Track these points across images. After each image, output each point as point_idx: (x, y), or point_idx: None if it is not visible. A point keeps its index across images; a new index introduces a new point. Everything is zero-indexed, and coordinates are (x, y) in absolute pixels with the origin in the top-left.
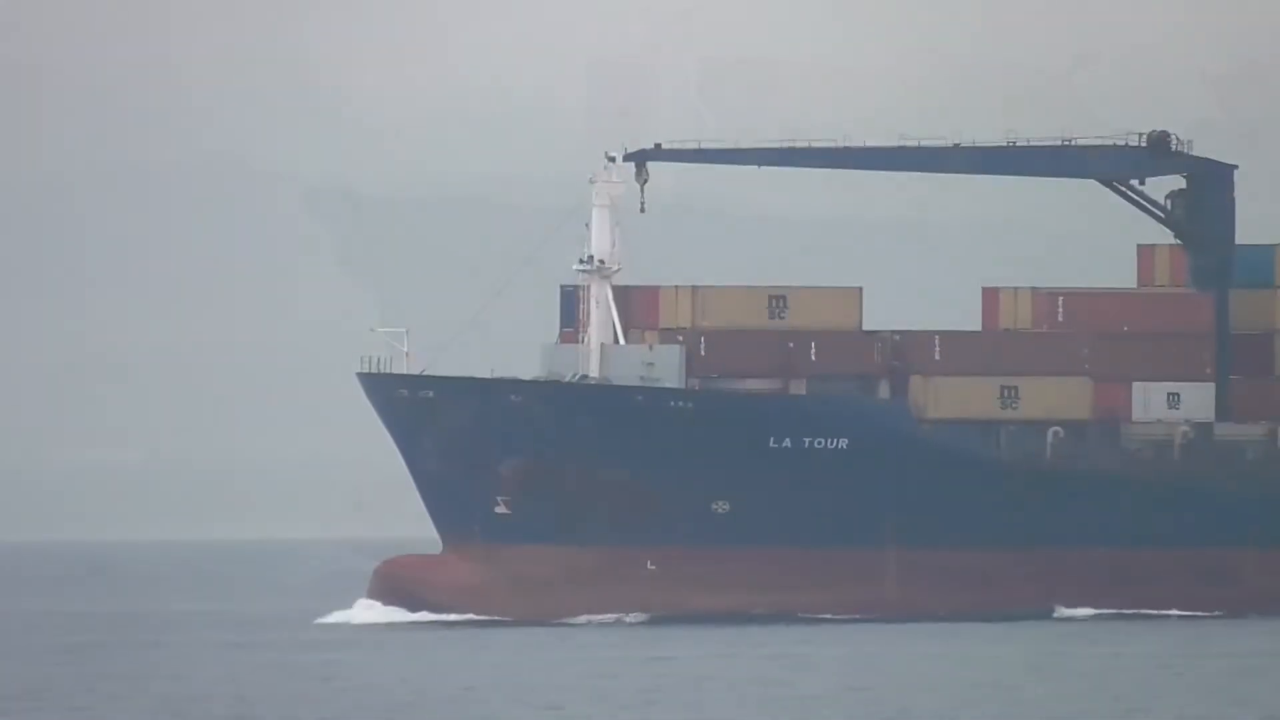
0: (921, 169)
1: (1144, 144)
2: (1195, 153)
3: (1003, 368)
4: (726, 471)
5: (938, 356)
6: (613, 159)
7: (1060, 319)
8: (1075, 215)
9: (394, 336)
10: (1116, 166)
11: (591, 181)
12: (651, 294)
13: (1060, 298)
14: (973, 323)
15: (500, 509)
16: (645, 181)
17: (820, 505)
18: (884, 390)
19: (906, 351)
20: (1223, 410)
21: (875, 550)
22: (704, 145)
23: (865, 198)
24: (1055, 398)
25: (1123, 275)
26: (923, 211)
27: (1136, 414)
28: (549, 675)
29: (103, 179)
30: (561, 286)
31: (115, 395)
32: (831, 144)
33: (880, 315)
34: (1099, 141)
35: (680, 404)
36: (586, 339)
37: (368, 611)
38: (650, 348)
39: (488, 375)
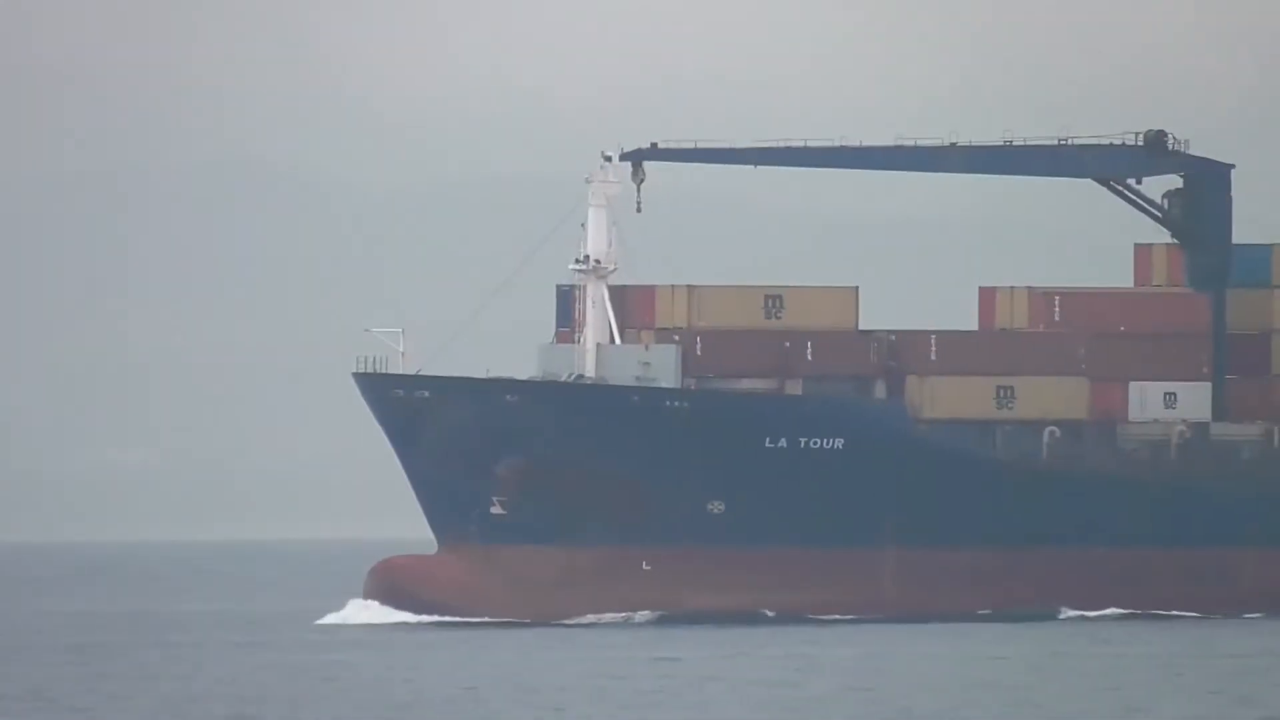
0: (918, 169)
1: (1141, 143)
2: (1192, 152)
3: (999, 367)
4: (722, 471)
5: (934, 356)
6: (609, 158)
7: (1057, 319)
8: (1072, 215)
9: (389, 336)
10: (1113, 166)
11: (588, 181)
12: (648, 294)
13: (1056, 297)
14: (969, 322)
15: (496, 509)
16: (641, 181)
17: (816, 505)
18: (880, 390)
19: (902, 351)
20: (1219, 410)
21: (872, 550)
22: (700, 144)
23: (862, 197)
24: (1052, 398)
25: (1120, 275)
26: (920, 211)
27: (1133, 414)
28: (551, 675)
29: (118, 181)
30: (558, 286)
31: (130, 396)
32: (828, 143)
33: (876, 315)
34: (1095, 141)
35: (676, 404)
36: (582, 339)
37: (365, 612)
38: (646, 348)
39: (483, 375)
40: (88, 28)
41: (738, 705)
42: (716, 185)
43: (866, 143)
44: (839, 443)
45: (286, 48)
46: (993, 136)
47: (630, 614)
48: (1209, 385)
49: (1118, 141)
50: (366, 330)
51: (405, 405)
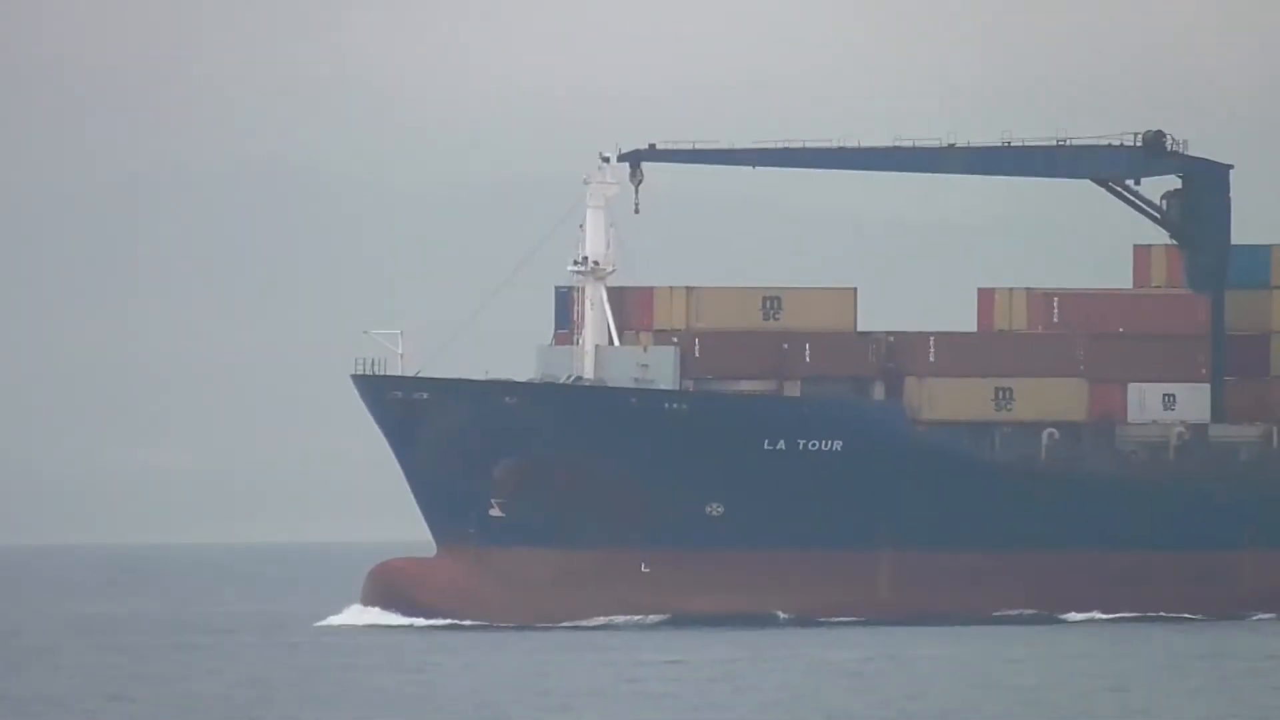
0: (917, 169)
1: (1139, 144)
2: (1191, 153)
3: (997, 369)
4: (721, 473)
5: (932, 358)
6: (607, 159)
7: (1055, 320)
8: (1071, 216)
9: (388, 338)
10: (1112, 167)
11: (586, 182)
12: (646, 295)
13: (1055, 298)
14: (968, 324)
15: (494, 511)
16: (640, 182)
17: (814, 507)
18: (879, 392)
19: (901, 353)
20: (1218, 411)
21: (869, 552)
22: (698, 145)
23: (862, 198)
24: (1050, 399)
25: (1119, 276)
26: (919, 212)
27: (1132, 415)
28: (571, 679)
29: (133, 188)
30: (556, 288)
31: (163, 399)
32: (826, 144)
33: (875, 316)
34: (1094, 142)
35: (675, 406)
36: (581, 340)
37: (366, 613)
38: (645, 349)
39: (482, 377)
40: (128, 34)
41: (768, 708)
42: (715, 186)
43: (865, 144)
44: (837, 444)
45: (287, 47)
46: (992, 137)
47: (643, 616)
48: (1208, 386)
49: (1116, 142)
50: (365, 332)
51: (404, 407)
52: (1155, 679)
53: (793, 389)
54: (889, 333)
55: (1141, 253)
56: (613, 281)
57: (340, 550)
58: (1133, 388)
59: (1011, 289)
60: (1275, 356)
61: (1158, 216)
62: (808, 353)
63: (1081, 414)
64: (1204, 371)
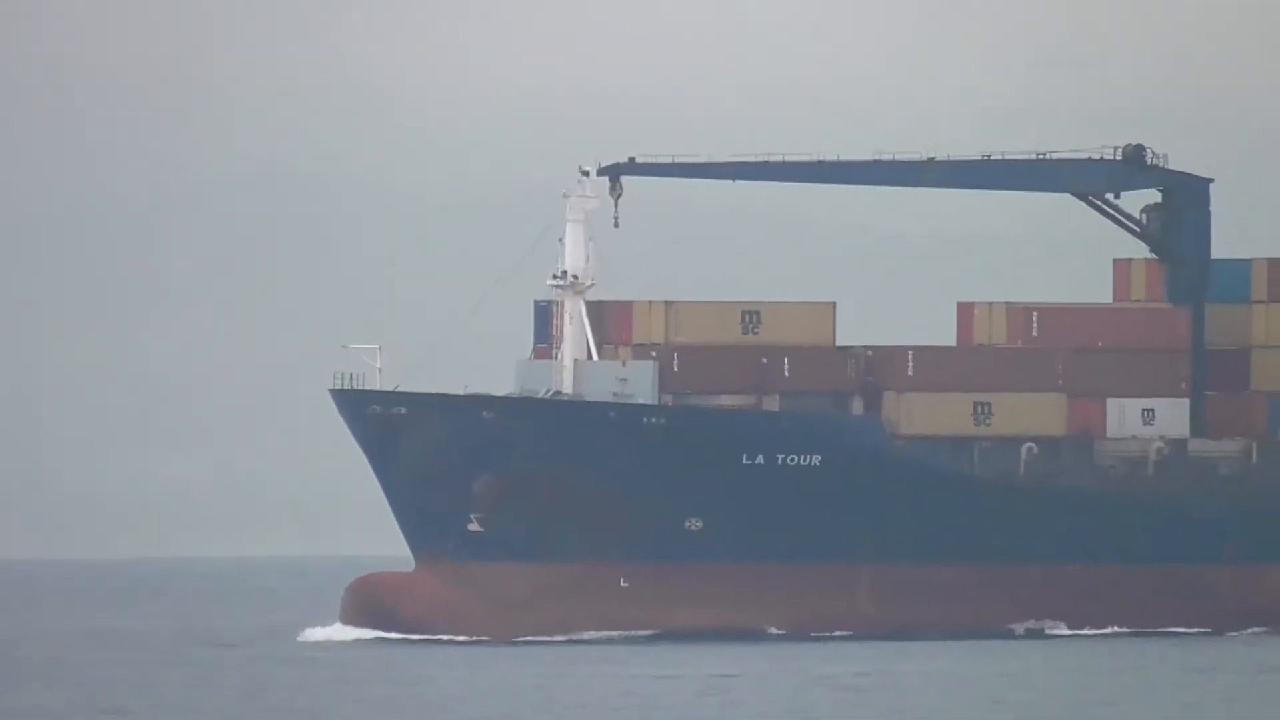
0: (896, 183)
1: (1119, 158)
2: (1171, 167)
3: (976, 384)
4: (700, 488)
5: (911, 372)
6: (586, 173)
7: (1035, 334)
8: (1051, 230)
9: (367, 353)
10: (1092, 181)
11: (565, 196)
12: (625, 309)
13: (1034, 313)
14: (947, 338)
15: (473, 526)
16: (619, 196)
17: (793, 522)
18: (857, 406)
19: (879, 367)
20: (1198, 426)
21: (848, 566)
22: (678, 159)
23: (841, 212)
24: (1029, 414)
25: (1099, 290)
26: (898, 226)
27: (1111, 430)
28: (570, 692)
29: (144, 197)
30: (535, 302)
31: (171, 410)
32: (806, 158)
33: (854, 331)
34: (1074, 155)
35: (653, 420)
36: (560, 355)
37: (346, 629)
38: (623, 364)
39: (461, 391)
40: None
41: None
42: (695, 200)
43: (845, 157)
44: (816, 459)
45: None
46: (971, 151)
47: (622, 631)
48: (1187, 401)
49: (1096, 156)
50: (344, 346)
51: (382, 422)
52: (1151, 693)
53: (771, 403)
54: (868, 347)
55: (1122, 267)
56: (592, 296)
57: (318, 565)
58: (1112, 402)
59: (991, 303)
60: (1255, 371)
61: (1138, 230)
62: (787, 367)
63: (1060, 429)
64: (1184, 386)
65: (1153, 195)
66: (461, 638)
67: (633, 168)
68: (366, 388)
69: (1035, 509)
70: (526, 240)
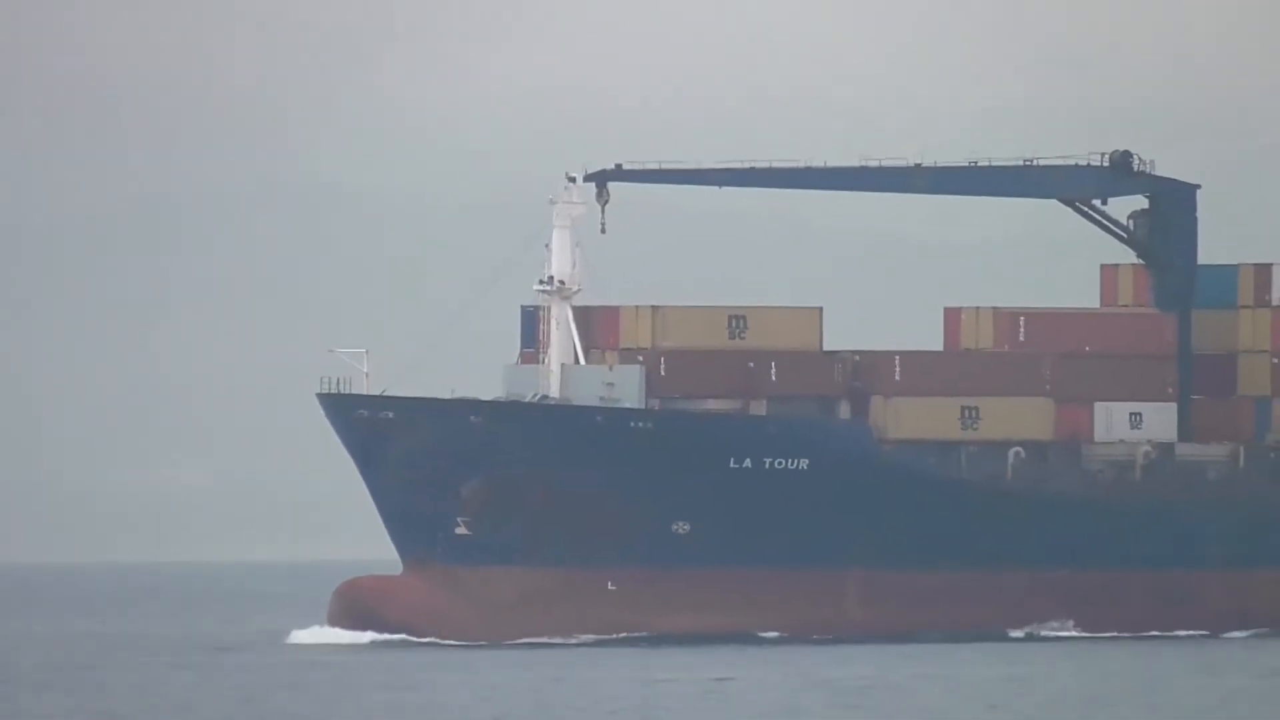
0: (884, 189)
1: (1106, 164)
2: (1158, 173)
3: (963, 388)
4: (687, 492)
5: (898, 377)
6: (573, 179)
7: (1022, 339)
8: (1038, 235)
9: (354, 357)
10: (1079, 187)
11: (552, 202)
12: (612, 314)
13: (1022, 318)
14: (934, 343)
15: (460, 530)
16: (606, 202)
17: (781, 526)
18: (844, 411)
19: (867, 372)
20: (1185, 431)
21: (836, 571)
22: (664, 165)
23: (829, 217)
24: (1016, 418)
25: (1086, 295)
26: (885, 231)
27: (1098, 434)
28: (585, 692)
29: (156, 206)
30: (522, 307)
31: (175, 414)
32: (793, 164)
33: (841, 335)
34: (1061, 162)
35: (640, 424)
36: (547, 360)
37: (332, 632)
38: (610, 368)
39: (448, 396)
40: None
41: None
42: (681, 206)
43: (832, 163)
44: (803, 463)
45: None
46: (958, 157)
47: (609, 634)
48: (1174, 406)
49: (1083, 162)
50: (331, 351)
51: (369, 426)
52: (1156, 696)
53: (759, 408)
54: (855, 352)
55: (1109, 272)
56: (579, 301)
57: (306, 569)
58: (1099, 407)
59: (978, 308)
60: (1242, 376)
61: (1125, 236)
62: (773, 372)
63: (1048, 433)
64: (1171, 391)
65: (1140, 201)
66: (449, 642)
67: (619, 174)
68: (353, 392)
69: (1023, 513)
70: (514, 245)
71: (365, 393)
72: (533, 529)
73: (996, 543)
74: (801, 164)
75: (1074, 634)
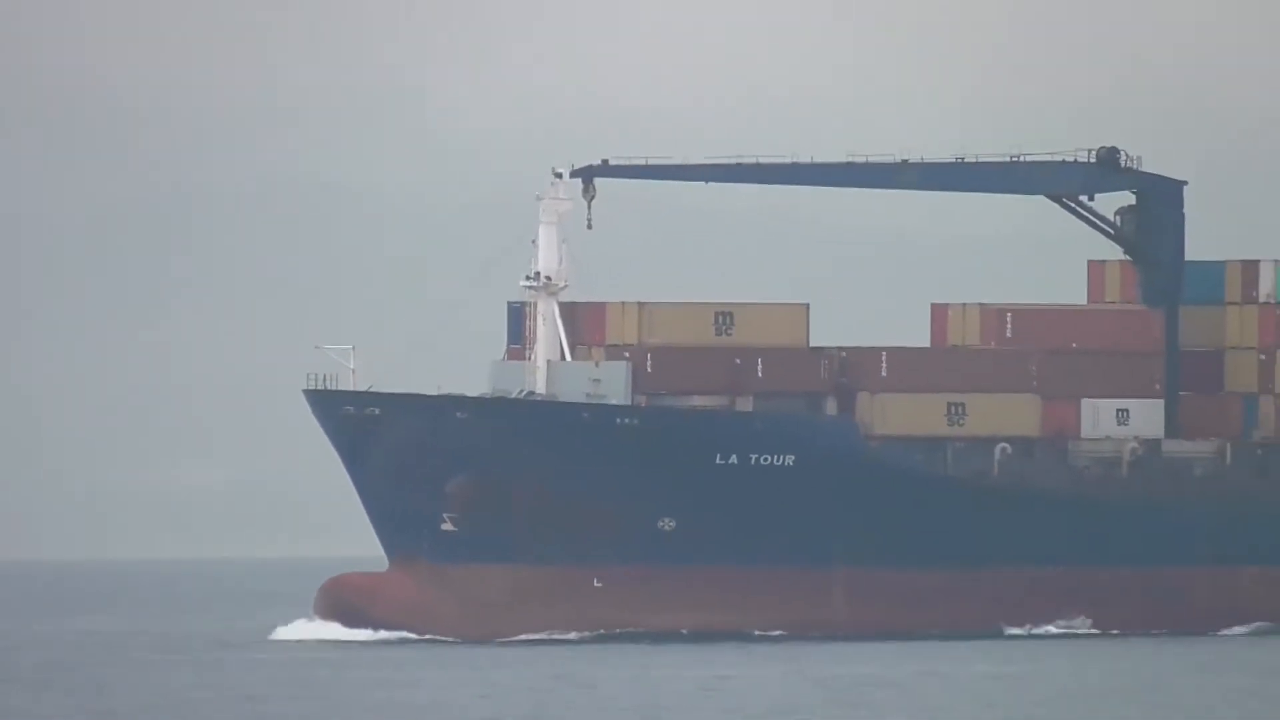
0: (870, 185)
1: (1093, 160)
2: (1145, 169)
3: (950, 384)
4: (673, 488)
5: (884, 373)
6: (559, 175)
7: (1009, 335)
8: (1025, 232)
9: (340, 353)
10: (1066, 183)
11: (538, 198)
12: (598, 310)
13: (1009, 314)
14: (921, 339)
15: (446, 526)
16: (592, 198)
17: (767, 522)
18: (831, 407)
19: (853, 368)
20: (1172, 427)
21: (823, 567)
22: (651, 161)
23: (815, 213)
24: (1003, 414)
25: (1073, 292)
26: (872, 227)
27: (1085, 430)
28: (600, 690)
29: (182, 203)
30: (509, 303)
31: (175, 413)
32: (780, 160)
33: (827, 332)
34: (1048, 158)
35: (626, 421)
36: (533, 356)
37: (315, 628)
38: (597, 364)
39: (434, 392)
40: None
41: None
42: (668, 202)
43: (819, 159)
44: (790, 459)
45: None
46: (945, 153)
47: (596, 631)
48: (1161, 402)
49: (1070, 159)
50: (317, 347)
51: (355, 422)
52: (1154, 694)
53: (745, 404)
54: (842, 348)
55: (1096, 268)
56: (565, 297)
57: (292, 565)
58: (1086, 403)
59: (965, 304)
60: (1229, 372)
61: (1112, 233)
62: (760, 368)
63: (1035, 429)
64: (1158, 387)
65: (1127, 197)
66: (435, 638)
67: (606, 170)
68: (340, 388)
69: (1009, 510)
70: (501, 242)
71: (352, 389)
72: (519, 526)
73: (983, 539)
74: (788, 160)
75: (1065, 631)
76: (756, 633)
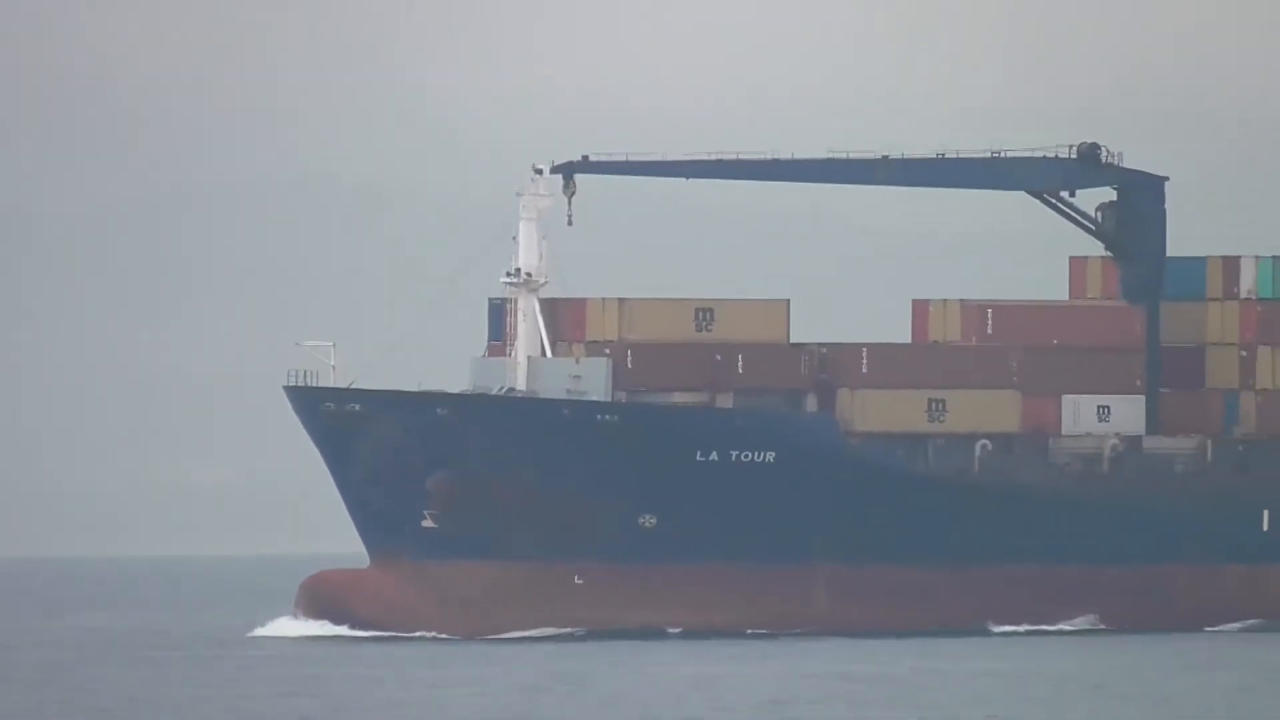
0: (851, 181)
1: (1074, 156)
2: (1126, 165)
3: (931, 380)
4: (653, 485)
5: (865, 369)
6: (540, 171)
7: (990, 331)
8: (1006, 228)
9: (321, 350)
10: (1047, 179)
11: (519, 194)
12: (579, 306)
13: (990, 310)
14: (902, 335)
15: (427, 523)
16: (572, 194)
17: (748, 519)
18: (812, 403)
19: (834, 364)
20: (1153, 423)
21: (803, 564)
22: (631, 157)
23: (796, 209)
24: (984, 411)
25: (1055, 288)
26: (853, 223)
27: (1066, 427)
28: (604, 685)
29: (182, 202)
30: (490, 300)
31: (175, 411)
32: (760, 156)
33: (808, 328)
34: (1029, 154)
35: (607, 417)
36: (514, 352)
37: (296, 625)
38: (577, 361)
39: (415, 389)
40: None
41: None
42: (649, 198)
43: (799, 155)
44: (770, 455)
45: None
46: (926, 149)
47: (576, 629)
48: (1142, 399)
49: (1051, 154)
50: (298, 344)
51: (336, 419)
52: (1154, 693)
53: (725, 401)
54: (822, 344)
55: (1077, 265)
56: (545, 293)
57: (271, 563)
58: (1067, 399)
59: (946, 301)
60: (1210, 368)
61: (1093, 229)
62: (741, 364)
63: (1015, 426)
64: (1139, 383)
65: (1108, 194)
66: (424, 635)
67: (586, 166)
68: (321, 385)
69: (990, 506)
70: (481, 238)
71: (333, 386)
72: (499, 522)
73: (964, 536)
74: (769, 156)
75: (1037, 628)
76: (726, 628)
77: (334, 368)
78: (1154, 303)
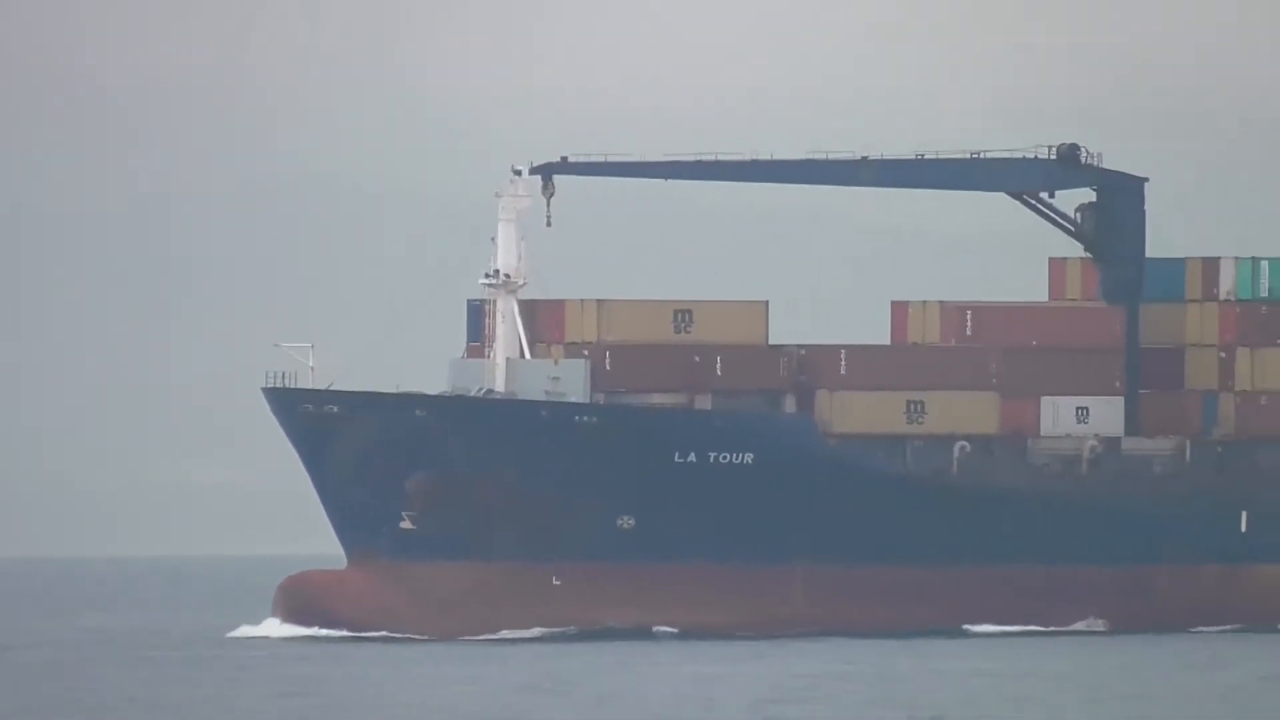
0: (830, 182)
1: (1054, 157)
2: (1105, 166)
3: (909, 382)
4: (632, 486)
5: (844, 371)
6: (519, 172)
7: (969, 333)
8: (985, 229)
9: (299, 351)
10: (1026, 180)
11: (497, 195)
12: (557, 308)
13: (969, 311)
14: (881, 337)
15: (405, 524)
16: (551, 195)
17: (726, 520)
18: (790, 405)
19: (812, 366)
20: (1132, 425)
21: (781, 565)
22: (610, 158)
23: (775, 209)
24: (962, 412)
25: (1034, 289)
26: (831, 224)
27: (1045, 428)
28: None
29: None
30: (468, 301)
31: (208, 413)
32: (739, 157)
33: (786, 329)
34: (1008, 155)
35: (585, 419)
36: (492, 354)
37: (276, 626)
38: (555, 362)
39: (393, 390)
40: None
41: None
42: (627, 199)
43: (778, 156)
44: (748, 457)
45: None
46: (905, 150)
47: (555, 629)
48: (1121, 400)
49: (1030, 155)
50: (276, 345)
51: (314, 420)
52: (1154, 693)
53: (704, 402)
54: (801, 346)
55: (1057, 266)
56: (524, 294)
57: (271, 563)
58: (1046, 401)
59: (925, 302)
60: (1190, 370)
61: (1072, 230)
62: (719, 366)
63: (994, 427)
64: (1118, 385)
65: (1087, 194)
66: (397, 636)
67: (565, 167)
68: (299, 386)
69: (968, 507)
70: (460, 239)
71: (311, 387)
72: (478, 524)
73: (942, 537)
74: (747, 157)
75: (1015, 629)
76: (704, 629)
77: (313, 369)
78: (1133, 304)
